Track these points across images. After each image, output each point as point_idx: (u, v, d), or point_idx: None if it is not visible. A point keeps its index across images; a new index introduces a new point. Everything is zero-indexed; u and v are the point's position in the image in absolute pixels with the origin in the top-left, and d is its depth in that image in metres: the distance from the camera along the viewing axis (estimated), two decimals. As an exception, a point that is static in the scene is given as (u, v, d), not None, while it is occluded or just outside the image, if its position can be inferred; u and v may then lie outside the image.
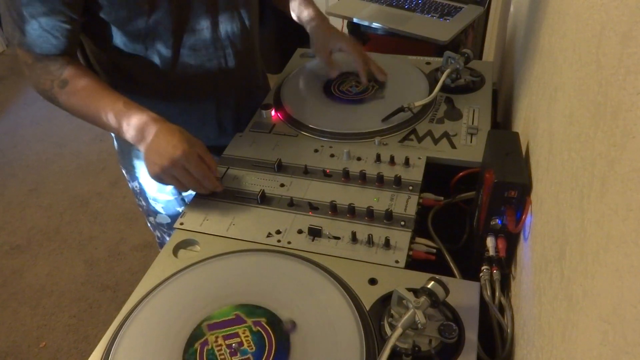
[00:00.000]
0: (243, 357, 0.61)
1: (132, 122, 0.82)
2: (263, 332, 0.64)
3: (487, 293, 0.67)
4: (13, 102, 3.13)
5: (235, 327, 0.64)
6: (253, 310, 0.66)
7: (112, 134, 1.09)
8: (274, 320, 0.65)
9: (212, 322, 0.65)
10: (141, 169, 1.07)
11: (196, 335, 0.64)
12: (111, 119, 0.84)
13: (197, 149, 0.81)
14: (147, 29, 0.87)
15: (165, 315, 0.67)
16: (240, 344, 0.62)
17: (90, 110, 0.85)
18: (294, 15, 1.14)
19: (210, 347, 0.62)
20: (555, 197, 0.52)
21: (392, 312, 0.63)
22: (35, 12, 0.79)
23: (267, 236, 0.78)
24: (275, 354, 0.61)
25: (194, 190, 0.83)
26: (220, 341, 0.63)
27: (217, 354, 0.62)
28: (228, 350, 0.62)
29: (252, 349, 0.62)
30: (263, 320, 0.65)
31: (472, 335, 0.62)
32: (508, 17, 1.57)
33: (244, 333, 0.64)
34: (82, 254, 2.14)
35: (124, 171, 1.13)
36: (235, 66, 1.01)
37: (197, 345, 0.63)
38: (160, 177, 0.81)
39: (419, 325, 0.59)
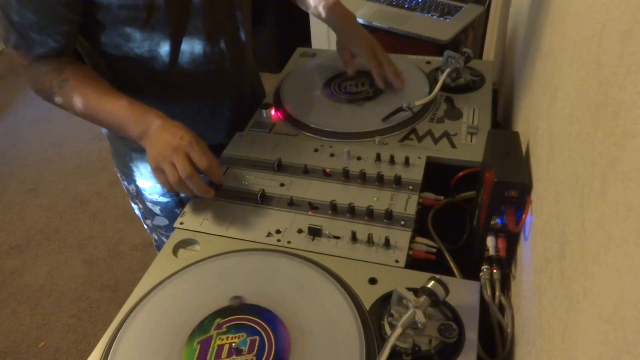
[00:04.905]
0: (246, 348, 0.61)
1: (136, 119, 0.82)
2: (239, 323, 0.64)
3: (487, 293, 0.67)
4: (12, 102, 3.13)
5: (210, 344, 0.63)
6: (201, 327, 0.64)
7: (107, 137, 1.09)
8: (224, 310, 0.66)
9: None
10: (137, 171, 1.06)
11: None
12: (114, 116, 0.83)
13: (200, 143, 0.81)
14: (144, 32, 0.86)
15: (165, 314, 0.67)
16: (232, 345, 0.62)
17: (91, 108, 0.85)
18: (314, 11, 1.12)
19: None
20: (555, 196, 0.52)
21: (392, 311, 0.63)
22: (33, 14, 0.78)
23: (267, 236, 0.78)
24: (267, 323, 0.63)
25: (192, 188, 0.81)
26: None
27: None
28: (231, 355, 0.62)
29: (243, 337, 0.62)
30: (219, 321, 0.65)
31: (472, 335, 0.62)
32: (508, 16, 1.57)
33: (226, 340, 0.63)
34: (82, 253, 2.14)
35: (119, 174, 1.12)
36: (230, 69, 1.01)
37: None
38: (162, 166, 0.79)
39: (419, 325, 0.59)
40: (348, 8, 1.12)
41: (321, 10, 1.09)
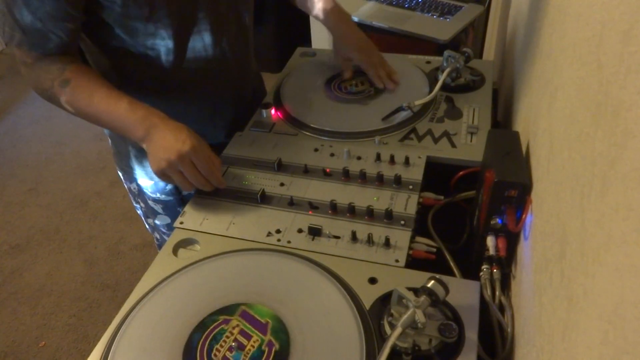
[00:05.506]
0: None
1: (138, 121, 0.82)
2: (265, 357, 0.61)
3: (487, 292, 0.67)
4: (12, 102, 3.13)
5: (257, 332, 0.63)
6: (280, 330, 0.64)
7: (109, 136, 1.09)
8: (282, 353, 0.62)
9: (248, 312, 0.65)
10: (139, 170, 1.06)
11: (229, 310, 0.66)
12: (115, 117, 0.83)
13: (203, 146, 0.81)
14: (147, 31, 0.86)
15: (165, 314, 0.67)
16: (242, 347, 0.62)
17: (92, 109, 0.85)
18: (312, 13, 1.12)
19: (225, 328, 0.63)
20: (555, 196, 0.52)
21: (392, 311, 0.63)
22: (37, 12, 0.78)
23: (267, 235, 0.78)
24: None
25: (198, 186, 0.83)
26: (235, 331, 0.63)
27: (222, 339, 0.62)
28: (230, 344, 0.62)
29: (249, 351, 0.61)
30: (276, 347, 0.62)
31: (472, 335, 0.62)
32: (508, 16, 1.57)
33: (255, 342, 0.62)
34: (82, 253, 2.14)
35: (120, 173, 1.12)
36: (232, 68, 1.01)
37: (221, 318, 0.64)
38: (166, 172, 0.80)
39: (419, 325, 0.59)
40: (348, 8, 1.12)
41: (319, 13, 1.10)
